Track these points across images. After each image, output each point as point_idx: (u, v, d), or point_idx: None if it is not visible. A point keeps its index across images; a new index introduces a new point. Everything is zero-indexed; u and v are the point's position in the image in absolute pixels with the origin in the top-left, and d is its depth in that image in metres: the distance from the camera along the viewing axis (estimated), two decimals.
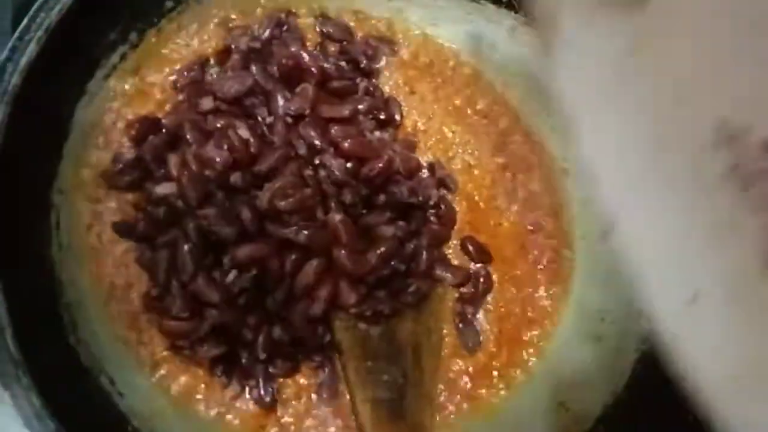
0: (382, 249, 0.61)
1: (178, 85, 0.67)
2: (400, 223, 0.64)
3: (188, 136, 0.61)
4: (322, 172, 0.62)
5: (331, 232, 0.59)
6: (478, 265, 0.68)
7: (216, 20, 0.70)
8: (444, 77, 0.76)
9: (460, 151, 0.74)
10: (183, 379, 0.59)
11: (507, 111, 0.76)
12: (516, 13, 0.74)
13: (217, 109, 0.63)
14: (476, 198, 0.72)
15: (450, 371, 0.63)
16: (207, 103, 0.63)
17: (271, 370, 0.61)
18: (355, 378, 0.53)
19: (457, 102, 0.76)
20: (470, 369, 0.64)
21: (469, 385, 0.63)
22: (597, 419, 0.58)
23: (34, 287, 0.52)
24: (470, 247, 0.68)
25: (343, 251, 0.59)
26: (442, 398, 0.62)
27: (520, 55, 0.75)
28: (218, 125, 0.62)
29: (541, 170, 0.74)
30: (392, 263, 0.61)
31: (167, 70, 0.68)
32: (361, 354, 0.54)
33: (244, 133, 0.61)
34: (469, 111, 0.76)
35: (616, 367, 0.60)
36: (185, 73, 0.68)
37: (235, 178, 0.59)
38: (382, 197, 0.64)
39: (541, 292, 0.68)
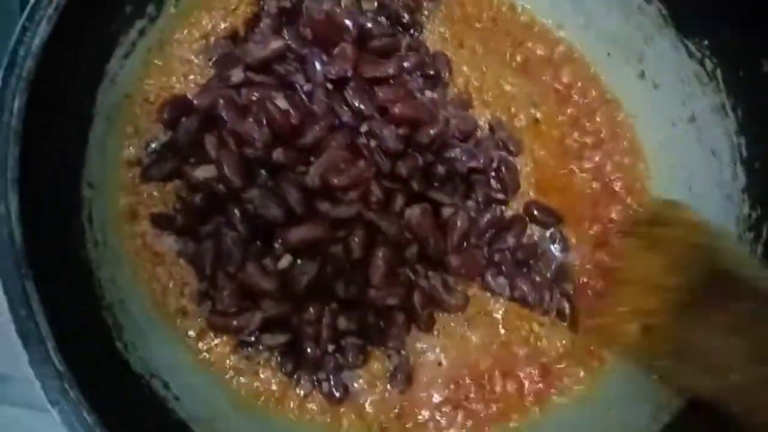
0: (458, 231, 0.58)
1: (211, 61, 0.61)
2: (469, 203, 0.60)
3: (223, 114, 0.55)
4: (372, 142, 0.56)
5: (410, 228, 0.56)
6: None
7: None
8: (495, 27, 0.69)
9: (523, 105, 0.66)
10: (245, 378, 0.54)
11: (568, 58, 0.68)
12: None
13: (250, 80, 0.57)
14: (544, 156, 0.65)
15: (542, 355, 0.58)
16: (237, 74, 0.57)
17: (340, 360, 0.55)
18: None
19: (513, 52, 0.68)
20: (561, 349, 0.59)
21: (561, 366, 0.58)
22: None
23: (72, 291, 0.47)
24: (535, 212, 0.62)
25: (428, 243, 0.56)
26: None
27: None
28: (253, 98, 0.56)
29: (609, 119, 0.67)
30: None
31: (194, 45, 0.61)
32: None
33: (282, 103, 0.54)
34: (528, 61, 0.68)
35: None
36: (216, 49, 0.62)
37: (278, 154, 0.53)
38: (441, 168, 0.58)
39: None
